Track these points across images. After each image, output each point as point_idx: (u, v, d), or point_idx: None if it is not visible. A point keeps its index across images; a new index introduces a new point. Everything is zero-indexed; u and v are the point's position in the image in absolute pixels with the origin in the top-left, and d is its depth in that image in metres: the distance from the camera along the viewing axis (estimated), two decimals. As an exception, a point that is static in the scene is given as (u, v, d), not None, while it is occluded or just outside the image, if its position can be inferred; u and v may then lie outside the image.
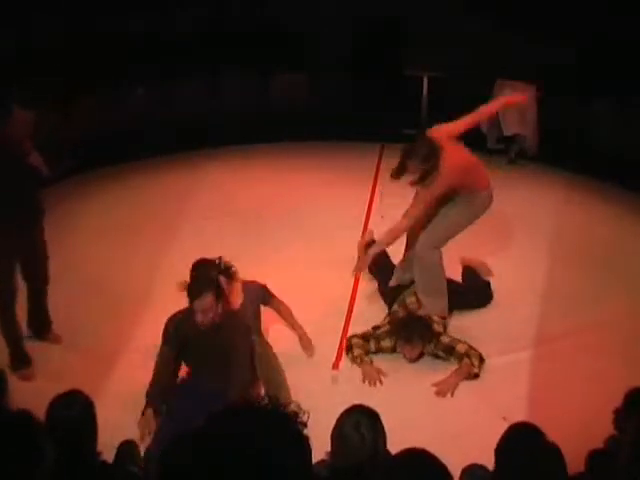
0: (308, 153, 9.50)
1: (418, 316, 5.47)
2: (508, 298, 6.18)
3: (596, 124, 9.01)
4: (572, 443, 3.56)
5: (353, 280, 6.32)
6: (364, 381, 5.18)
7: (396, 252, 6.07)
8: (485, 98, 9.16)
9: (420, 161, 5.29)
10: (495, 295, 6.20)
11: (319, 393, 4.94)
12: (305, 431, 1.65)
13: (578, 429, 4.38)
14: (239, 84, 10.10)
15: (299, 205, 7.87)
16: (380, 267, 6.10)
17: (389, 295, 5.94)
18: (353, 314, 5.95)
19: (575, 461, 3.41)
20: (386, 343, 5.41)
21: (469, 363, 5.16)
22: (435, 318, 5.50)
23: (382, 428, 3.03)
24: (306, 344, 5.45)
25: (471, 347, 5.26)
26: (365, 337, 5.42)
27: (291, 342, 5.46)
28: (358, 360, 5.30)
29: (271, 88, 10.29)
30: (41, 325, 5.48)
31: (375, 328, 5.53)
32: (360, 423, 2.96)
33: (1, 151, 4.65)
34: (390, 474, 2.51)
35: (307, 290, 6.18)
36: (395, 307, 5.73)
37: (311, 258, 6.73)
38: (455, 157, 5.36)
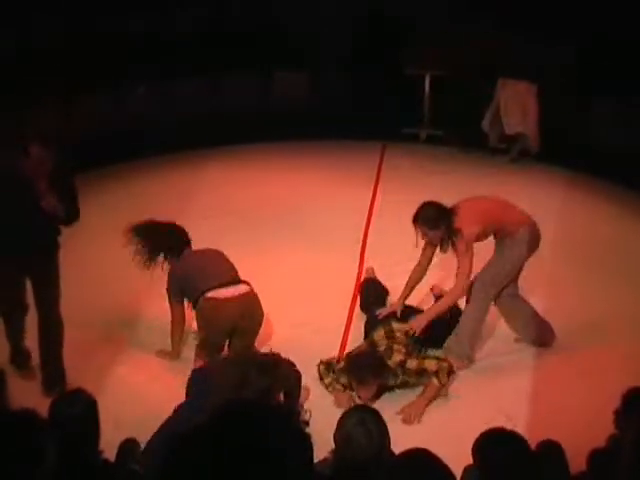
0: (309, 153, 9.50)
1: (371, 351, 4.97)
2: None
3: (597, 123, 9.01)
4: (574, 442, 3.55)
5: (354, 279, 6.32)
6: (337, 407, 4.81)
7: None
8: (486, 97, 9.22)
9: (429, 227, 5.13)
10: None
11: (319, 391, 4.93)
12: (307, 429, 1.65)
13: (580, 428, 4.37)
14: (239, 84, 10.10)
15: (300, 205, 7.87)
16: (371, 301, 5.75)
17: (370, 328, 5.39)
18: (354, 314, 5.94)
19: (577, 460, 3.41)
20: (343, 379, 4.93)
21: (436, 383, 4.78)
22: (395, 346, 4.95)
23: (386, 427, 3.02)
24: None
25: (440, 359, 4.90)
26: (328, 367, 5.03)
27: (293, 340, 5.45)
28: (330, 388, 4.95)
29: (271, 88, 10.29)
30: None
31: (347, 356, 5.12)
32: (365, 423, 2.96)
33: (18, 189, 4.57)
34: (393, 474, 2.51)
35: (307, 289, 6.17)
36: (362, 342, 5.27)
37: (312, 257, 6.72)
38: (471, 210, 5.14)
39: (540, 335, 5.44)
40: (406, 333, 5.08)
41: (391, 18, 10.24)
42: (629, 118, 8.79)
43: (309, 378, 5.00)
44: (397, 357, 4.88)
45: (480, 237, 5.18)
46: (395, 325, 5.14)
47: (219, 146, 9.40)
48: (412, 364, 4.86)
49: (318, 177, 8.72)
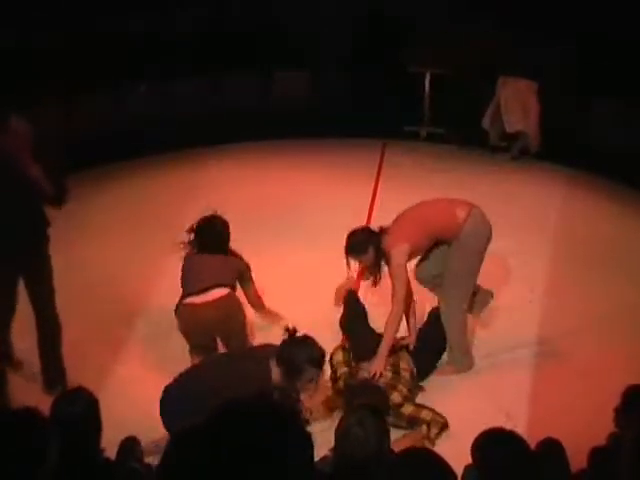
0: (309, 151, 9.51)
1: (375, 386, 4.74)
2: (509, 296, 6.18)
3: (597, 123, 9.01)
4: (574, 441, 3.55)
5: (356, 276, 6.32)
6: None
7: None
8: (486, 95, 9.22)
9: (357, 253, 4.97)
10: (497, 292, 6.20)
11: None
12: (307, 428, 1.65)
13: (580, 427, 4.37)
14: (239, 84, 10.10)
15: (300, 203, 7.87)
16: (352, 318, 5.47)
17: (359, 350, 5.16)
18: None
19: (578, 459, 3.41)
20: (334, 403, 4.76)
21: (426, 431, 4.55)
22: (399, 386, 4.77)
23: (386, 426, 3.03)
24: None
25: (436, 413, 4.64)
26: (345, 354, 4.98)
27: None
28: (339, 382, 4.87)
29: (271, 88, 10.29)
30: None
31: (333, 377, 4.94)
32: (365, 421, 2.96)
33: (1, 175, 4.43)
34: (394, 473, 2.51)
35: (307, 288, 6.17)
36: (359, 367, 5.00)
37: (312, 256, 6.72)
38: (402, 227, 4.94)
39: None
40: (411, 373, 4.93)
41: (391, 18, 10.24)
42: (629, 118, 8.79)
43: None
44: (396, 398, 4.68)
45: (416, 252, 5.00)
46: (403, 363, 4.96)
47: (219, 145, 9.41)
48: (408, 409, 4.63)
49: (318, 176, 8.72)
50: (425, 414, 4.60)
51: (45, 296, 4.81)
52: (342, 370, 4.93)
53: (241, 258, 5.37)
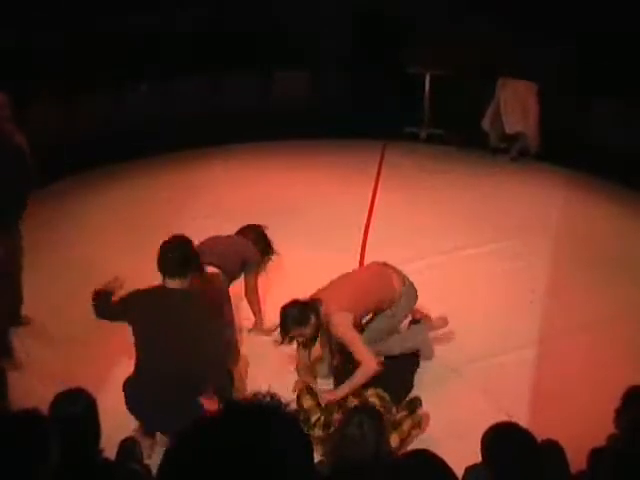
0: (309, 152, 9.51)
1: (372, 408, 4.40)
2: (509, 297, 6.18)
3: (597, 123, 9.00)
4: (574, 441, 3.55)
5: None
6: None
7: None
8: (486, 96, 9.22)
9: (299, 326, 4.77)
10: (497, 292, 6.21)
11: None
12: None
13: (580, 427, 4.37)
14: (239, 84, 10.10)
15: (300, 204, 7.86)
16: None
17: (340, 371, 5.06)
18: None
19: (577, 459, 3.41)
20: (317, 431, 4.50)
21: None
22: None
23: (384, 428, 3.03)
24: (259, 325, 5.54)
25: (412, 414, 4.57)
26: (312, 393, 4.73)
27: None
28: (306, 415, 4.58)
29: (271, 88, 10.29)
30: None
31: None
32: (363, 423, 2.96)
33: None
34: (395, 474, 2.51)
35: (306, 288, 6.15)
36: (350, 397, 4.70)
37: (312, 256, 6.71)
38: (340, 297, 4.85)
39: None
40: (379, 397, 4.67)
41: (391, 18, 10.23)
42: (629, 118, 8.79)
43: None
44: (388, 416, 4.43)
45: (356, 322, 4.88)
46: (369, 391, 4.70)
47: (219, 145, 9.40)
48: (395, 440, 4.33)
49: (318, 176, 8.72)
50: (406, 424, 4.49)
51: (14, 269, 5.05)
52: (315, 416, 4.56)
53: (256, 248, 5.50)
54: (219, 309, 4.82)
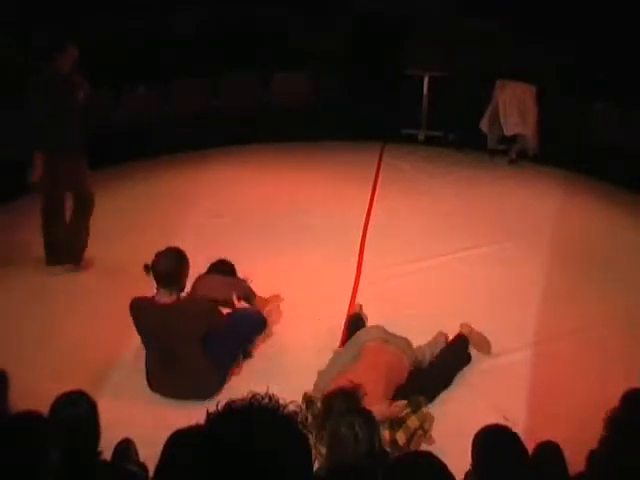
0: (308, 153, 9.51)
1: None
2: (508, 298, 6.18)
3: (597, 123, 9.01)
4: (572, 443, 3.56)
5: (353, 279, 6.33)
6: None
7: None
8: (485, 99, 9.22)
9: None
10: (495, 294, 6.21)
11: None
12: (305, 431, 1.65)
13: (578, 429, 4.37)
14: (239, 84, 10.10)
15: (298, 205, 7.87)
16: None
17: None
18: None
19: (576, 461, 3.41)
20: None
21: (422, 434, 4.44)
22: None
23: (377, 428, 3.03)
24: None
25: (416, 412, 4.48)
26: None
27: (294, 342, 5.45)
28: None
29: (271, 88, 10.29)
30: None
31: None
32: (353, 422, 2.97)
33: (59, 77, 6.07)
34: (393, 475, 2.52)
35: (306, 288, 6.17)
36: None
37: (311, 256, 6.72)
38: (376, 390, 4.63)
39: None
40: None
41: (391, 18, 10.24)
42: (629, 118, 8.80)
43: (308, 380, 4.99)
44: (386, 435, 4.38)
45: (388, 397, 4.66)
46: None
47: (219, 146, 9.40)
48: (401, 438, 4.36)
49: (317, 178, 8.72)
50: (412, 422, 4.42)
51: (83, 180, 6.33)
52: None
53: (243, 281, 5.67)
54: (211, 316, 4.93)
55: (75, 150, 6.23)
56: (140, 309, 4.86)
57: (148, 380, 4.94)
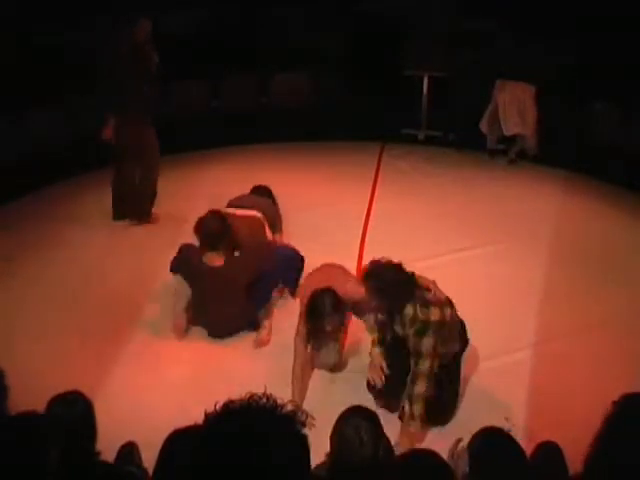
0: (307, 153, 9.51)
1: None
2: (508, 298, 6.18)
3: (596, 124, 9.01)
4: (572, 443, 3.55)
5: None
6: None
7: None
8: (484, 99, 9.22)
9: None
10: (495, 295, 6.21)
11: (318, 393, 4.94)
12: (304, 431, 1.65)
13: (578, 429, 4.37)
14: (239, 84, 10.10)
15: (298, 204, 7.85)
16: None
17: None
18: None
19: (576, 461, 3.41)
20: None
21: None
22: None
23: (381, 430, 3.02)
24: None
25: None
26: None
27: (289, 339, 5.45)
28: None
29: (271, 88, 10.29)
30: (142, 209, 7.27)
31: None
32: (360, 425, 2.95)
33: (133, 48, 6.79)
34: (396, 474, 2.51)
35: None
36: None
37: (310, 257, 6.71)
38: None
39: None
40: None
41: (391, 18, 10.24)
42: (629, 118, 8.80)
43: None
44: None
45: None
46: None
47: (219, 146, 9.40)
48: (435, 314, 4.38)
49: (316, 178, 8.72)
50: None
51: (146, 146, 7.05)
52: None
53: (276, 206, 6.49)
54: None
55: (140, 116, 6.95)
56: (190, 271, 5.30)
57: (193, 316, 5.45)
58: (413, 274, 4.49)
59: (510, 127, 9.04)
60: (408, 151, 9.71)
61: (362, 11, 10.39)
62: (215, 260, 5.19)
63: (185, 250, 5.43)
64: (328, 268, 5.19)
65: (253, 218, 5.91)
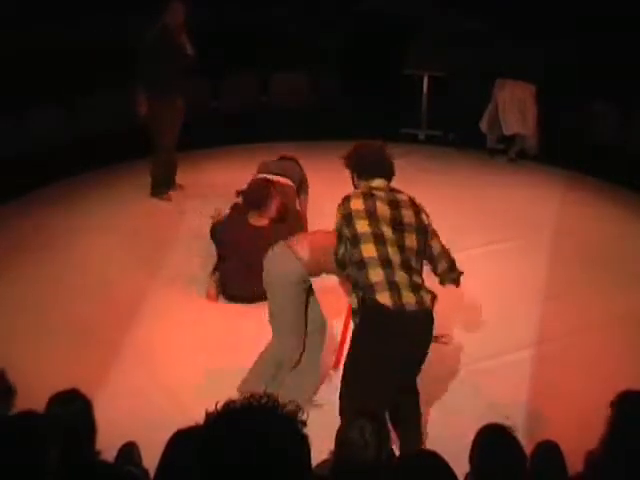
0: (307, 152, 9.49)
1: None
2: (508, 298, 6.18)
3: (596, 124, 9.01)
4: (573, 443, 3.56)
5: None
6: None
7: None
8: (484, 98, 9.22)
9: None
10: (495, 295, 6.21)
11: (320, 391, 4.96)
12: (304, 430, 1.65)
13: (578, 429, 4.37)
14: (239, 84, 10.09)
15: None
16: None
17: None
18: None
19: (576, 461, 3.41)
20: None
21: None
22: None
23: (387, 433, 3.03)
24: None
25: None
26: None
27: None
28: None
29: (271, 88, 10.29)
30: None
31: None
32: (364, 428, 2.95)
33: (165, 32, 7.26)
34: (398, 474, 2.52)
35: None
36: None
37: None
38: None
39: None
40: None
41: (391, 18, 10.24)
42: (629, 118, 8.80)
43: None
44: None
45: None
46: None
47: (219, 146, 9.40)
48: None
49: (316, 177, 8.69)
50: None
51: (157, 127, 7.49)
52: None
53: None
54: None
55: (167, 99, 7.44)
56: (234, 228, 5.87)
57: (222, 287, 5.91)
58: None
59: (510, 126, 9.04)
60: (408, 150, 9.69)
61: (362, 11, 10.38)
62: (260, 220, 5.82)
63: (227, 218, 6.11)
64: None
65: (289, 187, 6.44)
